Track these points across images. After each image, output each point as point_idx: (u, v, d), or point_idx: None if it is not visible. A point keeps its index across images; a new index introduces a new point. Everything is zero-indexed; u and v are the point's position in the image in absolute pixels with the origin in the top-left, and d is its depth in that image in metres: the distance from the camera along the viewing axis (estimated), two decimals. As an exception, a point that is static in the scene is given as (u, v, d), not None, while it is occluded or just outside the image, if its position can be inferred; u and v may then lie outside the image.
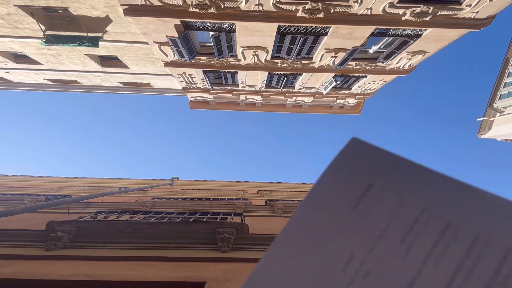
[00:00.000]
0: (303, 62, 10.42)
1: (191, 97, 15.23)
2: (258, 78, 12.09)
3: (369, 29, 7.97)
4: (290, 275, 0.34)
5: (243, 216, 6.35)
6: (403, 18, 7.57)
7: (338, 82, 12.15)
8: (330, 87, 12.19)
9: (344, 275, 0.33)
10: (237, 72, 11.61)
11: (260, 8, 7.29)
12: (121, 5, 7.20)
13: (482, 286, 0.30)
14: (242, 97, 15.01)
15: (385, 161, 0.42)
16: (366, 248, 0.35)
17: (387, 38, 8.97)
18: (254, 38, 8.72)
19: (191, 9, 7.28)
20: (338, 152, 0.45)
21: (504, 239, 0.32)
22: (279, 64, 10.66)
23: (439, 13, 7.34)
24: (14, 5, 7.51)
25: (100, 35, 8.62)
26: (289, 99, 14.93)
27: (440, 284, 0.31)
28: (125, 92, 14.99)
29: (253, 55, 9.82)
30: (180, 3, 7.15)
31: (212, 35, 8.58)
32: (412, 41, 8.57)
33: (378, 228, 0.36)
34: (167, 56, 10.01)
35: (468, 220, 0.34)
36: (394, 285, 0.31)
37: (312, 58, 10.05)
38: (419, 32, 8.23)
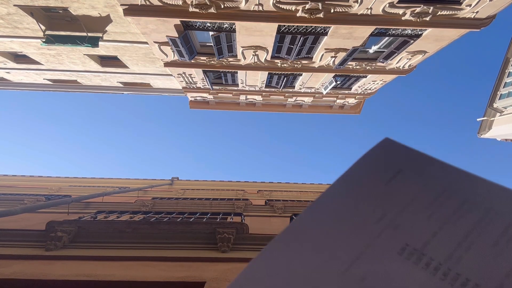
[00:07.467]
0: (303, 62, 10.42)
1: (191, 97, 15.23)
2: (258, 78, 12.09)
3: (369, 29, 7.97)
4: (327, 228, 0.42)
5: (243, 216, 6.34)
6: (403, 18, 7.57)
7: (338, 82, 12.13)
8: (330, 87, 12.18)
9: (377, 226, 0.41)
10: (237, 72, 11.60)
11: (260, 8, 7.28)
12: (121, 5, 7.20)
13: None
14: (242, 97, 15.00)
15: (412, 155, 0.52)
16: (396, 210, 0.43)
17: (387, 38, 8.97)
18: (254, 38, 8.71)
19: (191, 9, 7.28)
20: (370, 148, 0.54)
21: None
22: (279, 64, 10.65)
23: (439, 13, 7.34)
24: (14, 5, 7.50)
25: (100, 35, 8.62)
26: (289, 99, 14.92)
27: (456, 240, 0.37)
28: (125, 92, 14.98)
29: (253, 55, 9.81)
30: (180, 3, 7.15)
31: (212, 35, 8.57)
32: (412, 41, 8.56)
33: (406, 199, 0.44)
34: (167, 56, 10.00)
35: (478, 198, 0.42)
36: (418, 232, 0.39)
37: (312, 58, 10.04)
38: (419, 32, 8.22)
